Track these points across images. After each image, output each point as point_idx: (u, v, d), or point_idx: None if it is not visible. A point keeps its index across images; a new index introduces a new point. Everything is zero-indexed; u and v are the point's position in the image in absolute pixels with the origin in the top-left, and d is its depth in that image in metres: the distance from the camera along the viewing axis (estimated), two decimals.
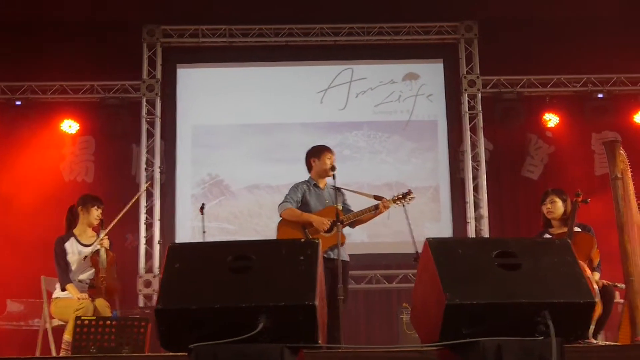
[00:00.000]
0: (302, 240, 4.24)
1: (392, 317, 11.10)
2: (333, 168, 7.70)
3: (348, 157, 11.98)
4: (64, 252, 7.92)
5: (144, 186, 11.39)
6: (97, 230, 8.16)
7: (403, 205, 7.82)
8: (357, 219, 7.81)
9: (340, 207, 7.79)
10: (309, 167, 8.06)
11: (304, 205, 7.82)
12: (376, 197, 7.80)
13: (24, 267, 10.38)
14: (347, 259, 7.78)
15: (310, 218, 7.67)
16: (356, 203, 7.99)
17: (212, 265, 4.00)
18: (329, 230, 7.56)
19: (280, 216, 7.82)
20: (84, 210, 8.10)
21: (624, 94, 12.30)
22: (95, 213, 8.07)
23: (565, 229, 7.55)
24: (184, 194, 12.10)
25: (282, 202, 7.84)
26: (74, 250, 7.94)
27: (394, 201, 7.80)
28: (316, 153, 8.02)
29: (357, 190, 8.17)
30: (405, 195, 7.84)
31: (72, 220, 8.19)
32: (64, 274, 7.86)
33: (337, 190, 7.90)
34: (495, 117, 12.21)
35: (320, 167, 7.92)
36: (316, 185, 7.96)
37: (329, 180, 7.99)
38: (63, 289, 7.83)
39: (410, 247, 7.59)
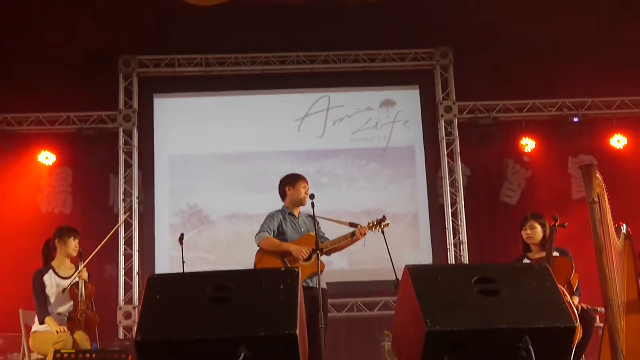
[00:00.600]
0: (282, 269, 4.24)
1: (374, 345, 11.05)
2: (312, 196, 7.68)
3: (326, 184, 11.98)
4: (42, 285, 7.85)
5: (122, 217, 11.34)
6: (75, 262, 8.09)
7: (380, 231, 7.82)
8: (334, 247, 7.80)
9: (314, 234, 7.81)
10: (283, 196, 8.04)
11: (280, 235, 7.79)
12: (351, 224, 7.79)
13: (1, 300, 10.31)
14: (325, 286, 7.76)
15: (289, 247, 7.64)
16: (331, 230, 7.96)
17: (191, 296, 4.00)
18: (308, 259, 7.54)
19: (258, 246, 7.78)
20: (60, 242, 8.04)
21: (599, 118, 12.40)
22: (73, 244, 8.02)
23: (544, 254, 7.56)
24: (162, 224, 12.04)
25: (259, 231, 7.80)
26: (52, 283, 7.87)
27: (369, 227, 7.79)
28: (291, 181, 8.00)
29: (332, 218, 8.14)
30: (380, 222, 7.82)
31: (48, 254, 8.12)
32: (42, 307, 7.79)
33: (312, 218, 7.91)
34: (472, 143, 12.26)
35: (295, 195, 7.90)
36: (291, 214, 7.94)
37: (302, 208, 7.99)
38: (42, 322, 7.76)
39: (390, 273, 7.59)
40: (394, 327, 4.70)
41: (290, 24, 11.58)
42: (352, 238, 7.70)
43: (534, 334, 3.83)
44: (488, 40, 11.95)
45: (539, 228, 7.77)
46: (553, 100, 12.38)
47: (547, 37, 11.75)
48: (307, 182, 8.01)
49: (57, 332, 7.55)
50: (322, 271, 7.48)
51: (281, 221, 7.85)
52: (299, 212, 7.98)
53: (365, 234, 7.73)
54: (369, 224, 7.80)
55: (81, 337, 7.65)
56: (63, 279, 7.92)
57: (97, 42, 11.66)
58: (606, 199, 6.33)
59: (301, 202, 7.91)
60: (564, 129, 12.31)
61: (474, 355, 3.83)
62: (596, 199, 6.19)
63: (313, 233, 7.66)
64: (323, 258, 7.80)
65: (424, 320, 3.82)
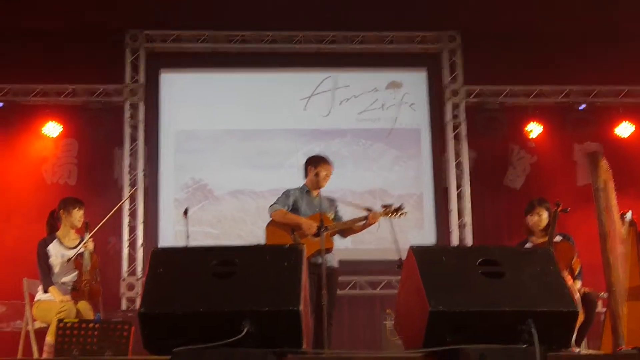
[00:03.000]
0: (286, 246, 4.24)
1: (376, 323, 11.09)
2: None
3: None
4: (46, 255, 7.89)
5: (127, 190, 11.37)
6: (80, 232, 8.12)
7: (398, 218, 7.85)
8: (347, 229, 7.86)
9: (332, 215, 7.83)
10: (305, 174, 8.09)
11: (294, 211, 7.84)
12: (367, 210, 7.81)
13: (5, 269, 10.35)
14: (335, 265, 7.78)
15: (299, 220, 7.69)
16: (349, 214, 7.98)
17: (195, 270, 4.01)
18: (317, 235, 7.55)
19: (270, 217, 7.83)
20: (65, 212, 8.06)
21: (606, 106, 12.36)
22: (77, 215, 8.04)
23: (546, 239, 7.58)
24: (167, 198, 12.05)
25: (273, 203, 7.87)
26: (57, 253, 7.91)
27: (385, 214, 7.80)
28: (314, 162, 8.02)
29: (351, 202, 8.15)
30: (397, 210, 7.85)
31: (53, 224, 8.16)
32: (46, 277, 7.83)
33: (331, 200, 7.97)
34: (478, 127, 12.23)
35: (315, 177, 7.91)
36: (309, 192, 7.98)
37: (323, 190, 8.00)
38: (45, 291, 7.79)
39: (394, 253, 7.60)
40: (397, 307, 4.72)
41: (299, 3, 11.54)
42: (364, 222, 7.73)
43: (536, 317, 3.84)
44: (497, 25, 11.92)
45: (545, 214, 7.77)
46: (560, 87, 12.34)
47: (555, 24, 11.71)
48: (330, 166, 8.02)
49: (61, 301, 7.58)
50: (330, 249, 7.55)
51: (297, 198, 7.91)
52: (318, 193, 7.98)
53: (377, 219, 7.75)
54: (385, 210, 7.82)
55: (84, 307, 7.69)
56: (68, 249, 7.96)
57: (105, 16, 11.64)
58: (612, 187, 6.33)
59: (319, 185, 7.91)
60: (570, 116, 12.28)
61: (476, 337, 3.84)
62: (602, 186, 6.19)
63: (328, 213, 7.71)
64: (338, 239, 7.85)
65: (427, 301, 3.83)
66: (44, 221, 8.20)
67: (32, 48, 11.87)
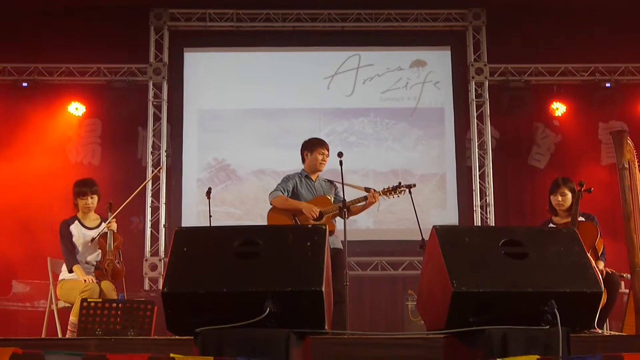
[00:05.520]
0: (309, 226, 4.24)
1: (397, 304, 11.12)
2: (340, 154, 7.67)
3: (354, 143, 11.98)
4: (69, 235, 7.93)
5: (150, 170, 11.41)
6: (100, 212, 8.16)
7: (396, 197, 7.85)
8: (348, 209, 7.80)
9: (332, 198, 7.84)
10: (302, 160, 8.11)
11: (294, 196, 7.87)
12: (366, 190, 7.81)
13: (29, 248, 10.42)
14: (339, 246, 7.78)
15: (300, 205, 7.72)
16: (350, 196, 7.95)
17: (219, 250, 4.00)
18: (319, 219, 7.57)
19: (271, 204, 7.86)
20: (75, 198, 8.09)
21: (632, 84, 12.26)
22: (82, 203, 8.02)
23: (570, 219, 7.54)
24: (190, 178, 12.10)
25: (273, 190, 7.90)
26: (78, 234, 7.95)
27: (384, 193, 7.81)
28: (309, 147, 8.05)
29: (348, 183, 8.13)
30: (396, 188, 7.84)
31: (76, 204, 8.19)
32: (71, 256, 7.87)
33: (330, 182, 7.99)
34: (502, 106, 12.19)
35: (312, 161, 7.96)
36: (308, 177, 8.01)
37: (321, 173, 8.06)
38: (70, 271, 7.84)
39: (416, 234, 7.61)
40: (420, 288, 4.71)
41: None
42: (364, 202, 7.73)
43: (560, 298, 3.82)
44: (522, 3, 11.86)
45: (569, 195, 7.71)
46: (585, 65, 12.25)
47: (580, 2, 11.64)
48: (326, 149, 8.03)
49: (84, 280, 7.62)
50: (332, 232, 7.57)
51: (297, 183, 7.93)
52: (317, 177, 8.03)
53: (377, 199, 7.73)
54: (383, 189, 7.82)
55: (108, 286, 7.73)
56: (88, 229, 8.00)
57: None
58: (637, 166, 6.30)
59: (317, 169, 7.97)
60: (595, 94, 12.19)
61: (499, 318, 3.82)
62: (626, 165, 6.16)
63: (327, 195, 7.73)
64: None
65: (450, 281, 3.82)
66: (67, 200, 8.25)
67: (56, 27, 11.94)
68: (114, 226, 7.99)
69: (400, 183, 7.92)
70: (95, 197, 8.09)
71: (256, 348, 3.68)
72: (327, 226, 7.14)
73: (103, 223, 8.03)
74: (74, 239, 7.93)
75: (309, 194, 7.89)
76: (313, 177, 7.99)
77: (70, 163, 12.01)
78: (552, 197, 7.84)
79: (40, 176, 11.35)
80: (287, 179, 7.98)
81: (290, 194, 7.85)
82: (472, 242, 4.08)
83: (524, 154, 12.48)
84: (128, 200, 8.31)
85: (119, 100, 12.00)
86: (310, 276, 3.82)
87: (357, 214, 8.05)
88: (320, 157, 7.93)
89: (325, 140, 8.17)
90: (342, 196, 7.98)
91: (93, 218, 8.14)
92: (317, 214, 7.61)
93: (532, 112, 12.34)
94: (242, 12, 12.28)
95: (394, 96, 12.34)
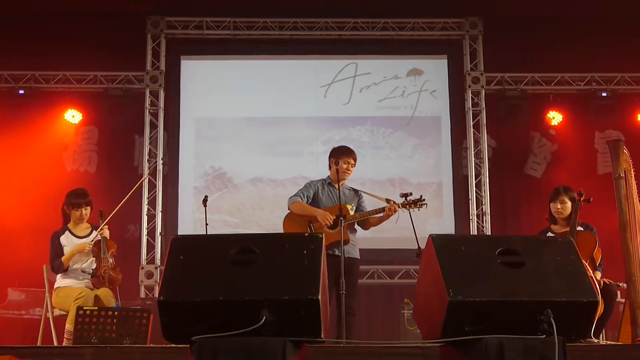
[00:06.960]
0: (305, 234, 4.24)
1: (394, 313, 11.09)
2: (336, 162, 7.68)
3: None
4: (59, 247, 7.93)
5: (145, 175, 11.38)
6: (92, 221, 8.16)
7: (418, 210, 7.79)
8: (366, 220, 7.81)
9: (353, 207, 7.80)
10: (329, 166, 8.08)
11: (314, 202, 7.82)
12: (387, 201, 7.75)
13: (25, 255, 10.38)
14: (354, 256, 7.76)
15: (315, 212, 7.66)
16: (372, 206, 7.93)
17: (215, 258, 4.01)
18: (334, 227, 7.53)
19: (289, 209, 7.82)
20: (68, 209, 8.09)
21: (628, 93, 12.29)
22: (76, 214, 8.03)
23: (568, 228, 7.54)
24: (186, 186, 12.08)
25: (293, 195, 7.86)
26: (69, 243, 7.94)
27: (403, 206, 7.73)
28: (336, 155, 7.98)
29: (371, 194, 8.11)
30: (417, 202, 7.77)
31: (66, 216, 8.19)
32: (56, 258, 7.88)
33: (355, 191, 7.94)
34: (499, 115, 12.21)
35: (336, 170, 7.85)
36: (331, 184, 7.96)
37: (347, 181, 8.02)
38: (65, 270, 7.84)
39: (412, 242, 7.58)
40: (416, 296, 4.70)
41: None
42: (382, 214, 7.68)
43: (556, 307, 3.82)
44: (518, 12, 11.89)
45: (569, 203, 7.70)
46: (582, 74, 12.28)
47: (577, 11, 11.66)
48: (353, 158, 7.96)
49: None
50: (347, 242, 7.47)
51: (318, 189, 7.89)
52: (342, 185, 7.92)
53: (396, 210, 7.67)
54: (404, 202, 7.74)
55: (106, 293, 7.70)
56: (79, 239, 8.00)
57: (126, 3, 11.69)
58: (633, 175, 6.30)
59: (341, 177, 7.84)
60: (592, 104, 12.21)
61: (495, 327, 3.83)
62: (622, 175, 6.16)
63: (349, 204, 7.68)
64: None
65: (446, 290, 3.82)
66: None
67: (53, 35, 11.94)
68: (107, 233, 7.99)
69: (421, 196, 7.85)
70: (89, 208, 8.10)
71: (252, 356, 3.68)
72: (343, 235, 7.16)
73: (94, 231, 8.02)
74: (65, 249, 7.91)
75: (329, 201, 7.85)
76: (336, 185, 7.89)
77: (67, 171, 12.00)
78: (551, 204, 7.83)
79: (37, 183, 11.33)
80: (309, 185, 7.95)
81: (310, 200, 7.81)
82: (468, 251, 4.09)
83: (521, 163, 12.49)
84: (118, 207, 8.30)
85: (115, 108, 12.00)
86: (306, 285, 3.83)
87: (376, 225, 7.98)
88: (345, 166, 7.84)
89: (353, 150, 8.12)
90: (365, 207, 7.97)
91: (84, 227, 8.14)
92: (331, 221, 7.56)
93: (529, 121, 12.37)
94: (239, 20, 12.29)
95: (390, 105, 12.34)
